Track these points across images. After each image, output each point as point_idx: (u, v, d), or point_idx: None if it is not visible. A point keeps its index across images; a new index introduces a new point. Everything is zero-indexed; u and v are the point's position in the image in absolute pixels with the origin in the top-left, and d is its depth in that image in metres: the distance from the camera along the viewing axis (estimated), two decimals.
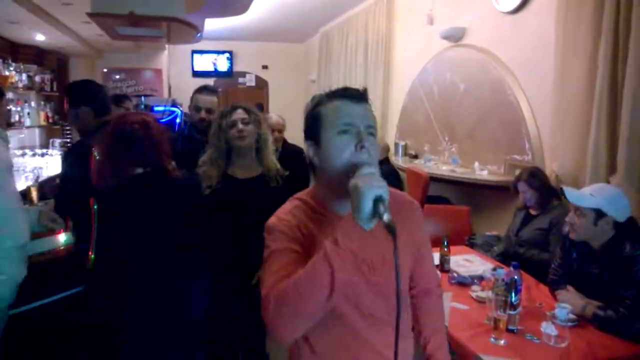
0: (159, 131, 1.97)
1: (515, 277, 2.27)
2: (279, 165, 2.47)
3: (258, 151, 2.43)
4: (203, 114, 2.94)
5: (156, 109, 6.31)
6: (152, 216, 1.90)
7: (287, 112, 8.72)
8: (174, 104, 6.18)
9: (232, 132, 2.34)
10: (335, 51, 7.82)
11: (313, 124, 1.23)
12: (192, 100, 3.06)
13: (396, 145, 5.76)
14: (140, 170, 1.93)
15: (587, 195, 2.22)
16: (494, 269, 2.71)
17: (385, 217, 1.00)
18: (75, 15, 4.99)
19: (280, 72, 10.21)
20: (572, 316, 2.09)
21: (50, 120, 7.07)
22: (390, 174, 5.28)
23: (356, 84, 5.96)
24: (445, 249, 2.81)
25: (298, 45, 10.14)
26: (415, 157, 5.45)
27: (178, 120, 5.74)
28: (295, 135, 9.81)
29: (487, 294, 2.28)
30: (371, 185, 1.01)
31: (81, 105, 2.51)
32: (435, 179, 4.47)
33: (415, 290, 1.44)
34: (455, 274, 2.62)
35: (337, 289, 1.04)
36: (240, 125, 2.34)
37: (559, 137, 3.25)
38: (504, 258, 3.10)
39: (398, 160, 5.50)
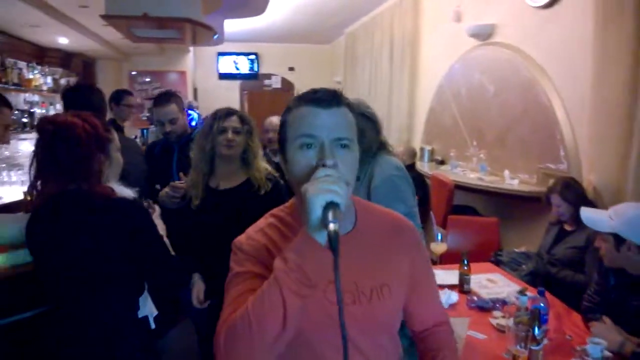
0: (89, 137, 1.55)
1: (541, 305, 2.02)
2: (269, 168, 2.27)
3: (244, 161, 2.24)
4: (167, 126, 2.78)
5: None
6: (57, 248, 1.56)
7: None
8: (190, 107, 6.09)
9: (220, 138, 2.16)
10: (360, 52, 7.61)
11: (280, 134, 1.06)
12: (153, 113, 2.91)
13: (422, 150, 5.50)
14: (72, 187, 1.56)
15: (605, 217, 1.95)
16: (520, 292, 2.45)
17: (331, 225, 0.83)
18: (94, 17, 4.93)
19: (307, 74, 10.05)
20: (607, 353, 1.81)
21: None
22: (416, 181, 5.03)
23: (381, 84, 5.80)
24: (465, 267, 2.56)
25: (324, 47, 9.98)
26: (442, 162, 5.18)
27: (194, 124, 5.64)
28: None
29: (508, 322, 2.03)
30: (321, 190, 0.85)
31: (73, 108, 2.41)
32: (461, 187, 4.20)
33: (419, 331, 1.26)
34: (474, 297, 2.37)
35: (291, 316, 0.89)
36: (230, 134, 2.16)
37: (597, 144, 2.95)
38: (534, 278, 2.83)
39: (424, 166, 5.24)
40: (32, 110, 5.73)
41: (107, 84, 8.40)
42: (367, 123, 2.04)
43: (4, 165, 4.45)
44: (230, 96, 10.10)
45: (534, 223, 3.62)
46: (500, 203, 4.08)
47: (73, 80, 7.08)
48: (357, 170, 1.05)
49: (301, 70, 10.16)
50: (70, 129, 1.54)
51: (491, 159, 4.27)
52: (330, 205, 0.84)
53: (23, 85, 5.37)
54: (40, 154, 1.57)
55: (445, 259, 3.45)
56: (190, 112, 5.70)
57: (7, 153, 4.73)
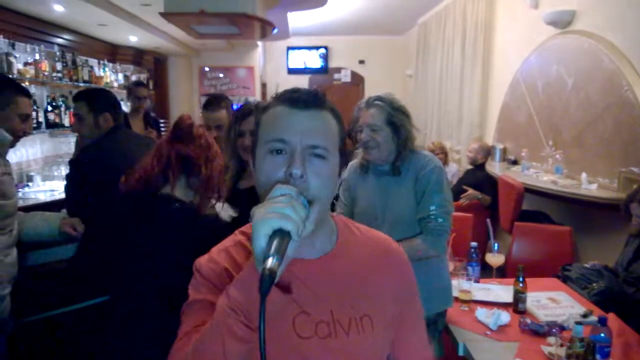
0: (212, 158, 1.61)
1: (601, 335, 1.79)
2: None
3: None
4: (214, 132, 2.77)
5: None
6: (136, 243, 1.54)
7: None
8: (247, 103, 6.13)
9: (239, 142, 2.08)
10: (432, 43, 7.32)
11: (252, 136, 0.97)
12: (203, 116, 2.94)
13: (493, 148, 5.18)
14: (166, 189, 1.57)
15: None
16: (585, 316, 2.21)
17: (269, 261, 0.70)
18: (157, 15, 5.11)
19: (378, 67, 9.86)
20: None
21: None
22: (485, 183, 4.76)
23: (453, 78, 5.56)
24: (521, 284, 2.34)
25: (397, 38, 9.72)
26: (515, 163, 4.85)
27: None
28: None
29: (560, 352, 1.81)
30: (269, 214, 0.74)
31: (105, 111, 2.49)
32: (532, 191, 3.89)
33: None
34: (527, 320, 2.15)
35: None
36: (247, 139, 2.04)
37: None
38: (605, 299, 2.53)
39: (495, 167, 4.93)
40: None
41: (178, 80, 8.75)
42: (403, 117, 2.04)
43: None
44: None
45: (614, 234, 3.27)
46: (576, 210, 3.73)
47: (144, 76, 7.42)
48: (334, 186, 0.93)
49: (372, 64, 9.98)
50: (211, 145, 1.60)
51: (568, 161, 3.91)
52: (278, 234, 0.73)
53: (93, 82, 5.67)
54: (165, 151, 1.58)
55: (510, 271, 3.22)
56: None
57: None
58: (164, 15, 4.29)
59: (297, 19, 7.59)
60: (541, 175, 4.11)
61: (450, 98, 6.48)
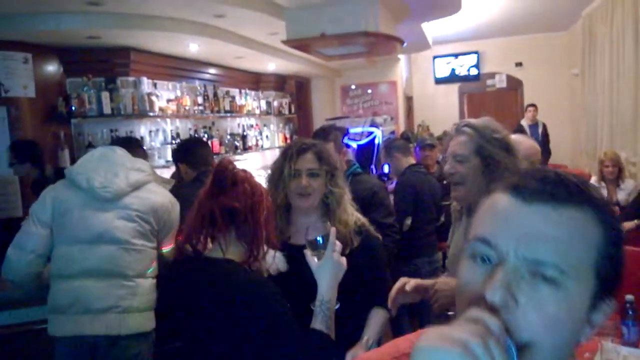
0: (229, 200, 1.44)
1: None
2: (360, 218, 1.84)
3: (326, 210, 1.80)
4: None
5: (352, 130, 6.08)
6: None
7: (546, 116, 7.68)
8: (373, 124, 5.99)
9: (292, 184, 1.75)
10: (599, 36, 6.42)
11: None
12: None
13: None
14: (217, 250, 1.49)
15: None
16: None
17: None
18: None
19: (538, 68, 9.00)
20: None
21: (288, 141, 7.72)
22: None
23: (625, 74, 4.78)
24: None
25: (558, 35, 8.74)
26: None
27: (377, 142, 5.50)
28: (560, 149, 8.23)
29: None
30: (443, 341, 0.51)
31: (180, 162, 2.70)
32: None
33: None
34: None
35: None
36: (304, 180, 1.74)
37: None
38: None
39: None
40: (244, 133, 6.43)
41: (321, 101, 8.98)
42: (499, 150, 1.65)
43: None
44: (447, 101, 9.75)
45: None
46: None
47: (286, 101, 7.73)
48: (573, 331, 0.62)
49: (531, 65, 9.15)
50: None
51: None
52: None
53: (235, 111, 6.05)
54: (206, 207, 1.47)
55: None
56: (372, 129, 5.62)
57: None
58: (287, 42, 4.39)
59: (442, 26, 7.25)
60: None
61: (623, 99, 5.59)
